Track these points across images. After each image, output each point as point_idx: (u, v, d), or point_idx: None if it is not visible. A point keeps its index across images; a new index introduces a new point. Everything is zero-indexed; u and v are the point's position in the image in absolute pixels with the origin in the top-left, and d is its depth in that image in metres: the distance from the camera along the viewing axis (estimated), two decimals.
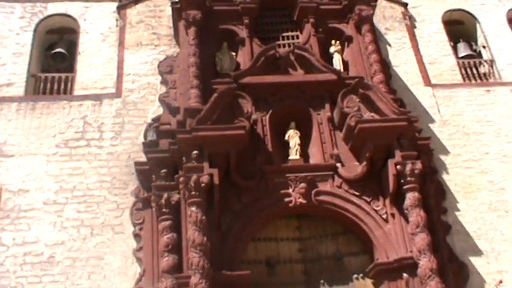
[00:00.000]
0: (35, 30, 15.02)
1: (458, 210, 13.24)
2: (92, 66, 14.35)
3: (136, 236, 11.96)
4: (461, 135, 14.30)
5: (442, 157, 13.78)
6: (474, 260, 12.78)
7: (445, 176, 13.56)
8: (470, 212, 13.33)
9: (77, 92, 13.97)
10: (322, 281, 11.88)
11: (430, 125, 14.15)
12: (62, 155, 12.88)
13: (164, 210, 11.46)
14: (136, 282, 11.52)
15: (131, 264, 11.77)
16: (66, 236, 11.99)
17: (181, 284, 10.75)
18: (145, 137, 12.95)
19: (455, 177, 13.63)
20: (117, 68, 14.26)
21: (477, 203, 13.47)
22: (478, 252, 12.92)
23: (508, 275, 12.72)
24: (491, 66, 16.07)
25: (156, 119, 13.13)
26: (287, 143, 12.61)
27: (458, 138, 14.22)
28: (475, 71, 15.83)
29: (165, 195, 11.50)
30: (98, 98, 13.74)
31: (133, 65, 14.34)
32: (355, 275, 12.07)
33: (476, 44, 16.74)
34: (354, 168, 12.30)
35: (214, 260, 10.82)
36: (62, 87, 14.14)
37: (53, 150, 12.94)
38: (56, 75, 14.42)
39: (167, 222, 11.38)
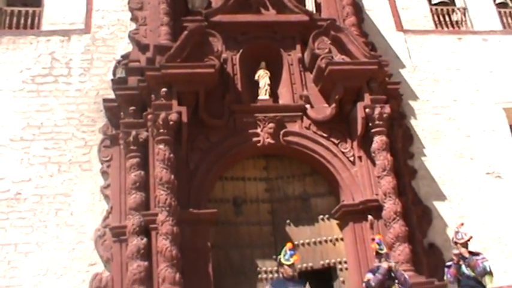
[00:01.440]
0: None
1: (424, 155, 13.44)
2: (60, 0, 13.87)
3: (104, 173, 11.92)
4: (431, 81, 14.38)
5: (411, 102, 13.88)
6: (438, 205, 13.08)
7: (413, 122, 13.69)
8: (436, 158, 13.54)
9: (44, 27, 13.58)
10: (288, 221, 12.05)
11: (401, 71, 14.18)
12: (29, 91, 12.61)
13: (132, 147, 11.40)
14: (103, 219, 11.54)
15: (98, 202, 11.77)
16: (33, 172, 11.88)
17: (148, 221, 10.84)
18: (114, 74, 12.75)
19: (423, 123, 13.78)
20: (86, 3, 13.83)
21: (443, 149, 13.68)
22: (441, 197, 13.19)
23: (470, 220, 13.01)
24: (464, 14, 16.06)
25: (125, 56, 12.88)
26: (257, 83, 12.55)
27: (427, 85, 14.30)
28: (447, 19, 15.80)
29: (133, 132, 11.43)
30: (66, 33, 13.39)
31: (103, 1, 13.93)
32: (321, 216, 12.27)
33: None
34: (323, 110, 12.35)
35: (181, 198, 10.91)
36: (29, 21, 13.69)
37: (20, 86, 12.66)
38: (23, 9, 13.92)
39: (135, 160, 11.34)
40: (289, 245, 7.51)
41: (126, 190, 11.30)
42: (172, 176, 10.74)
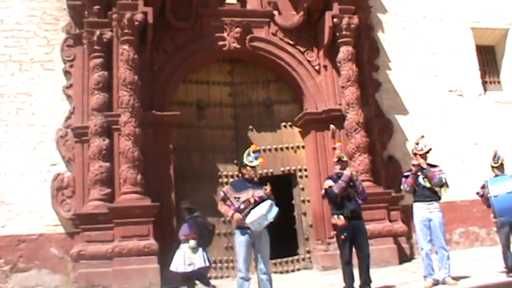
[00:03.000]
0: None
1: (389, 69, 13.49)
2: None
3: (67, 73, 11.67)
4: None
5: (380, 15, 13.75)
6: (399, 118, 13.27)
7: (380, 34, 13.64)
8: (401, 72, 13.62)
9: None
10: (250, 127, 12.20)
11: None
12: None
13: (96, 47, 11.18)
14: (65, 120, 11.41)
15: (61, 102, 11.59)
16: None
17: (111, 122, 10.81)
18: None
19: (390, 37, 13.74)
20: None
21: (409, 64, 13.75)
22: (404, 111, 13.37)
23: (430, 135, 13.16)
24: None
25: None
26: None
27: None
28: None
29: (97, 32, 11.17)
30: None
31: None
32: (283, 123, 12.44)
33: None
34: (291, 17, 12.25)
35: (144, 99, 10.88)
36: None
37: None
38: None
39: (98, 60, 11.16)
40: (253, 146, 7.43)
41: (89, 90, 11.19)
42: (136, 77, 10.64)
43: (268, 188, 7.08)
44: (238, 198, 6.99)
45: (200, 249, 8.77)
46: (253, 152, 7.26)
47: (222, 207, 7.15)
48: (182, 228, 9.15)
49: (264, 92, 12.47)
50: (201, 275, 8.93)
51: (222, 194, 7.21)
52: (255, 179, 7.48)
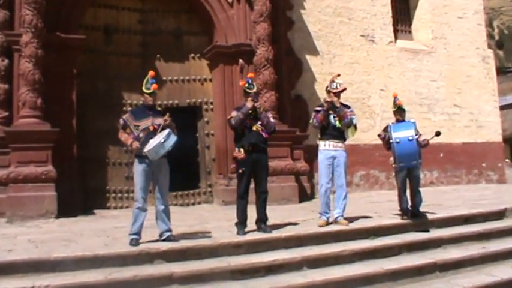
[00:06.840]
0: None
1: (304, 8, 13.45)
2: None
3: None
4: None
5: None
6: (310, 59, 13.35)
7: None
8: (315, 13, 13.63)
9: None
10: (158, 56, 11.93)
11: None
12: None
13: None
14: None
15: None
16: None
17: (11, 42, 10.22)
18: None
19: None
20: None
21: (323, 5, 13.78)
22: (314, 52, 13.46)
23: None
24: None
25: None
26: None
27: None
28: None
29: None
30: None
31: None
32: (192, 55, 12.26)
33: None
34: None
35: (49, 20, 10.26)
36: None
37: None
38: None
39: None
40: (151, 72, 7.17)
41: None
42: None
43: (167, 117, 6.91)
44: (138, 126, 6.76)
45: None
46: (151, 78, 7.05)
47: (122, 136, 6.90)
48: None
49: (175, 21, 12.17)
50: None
51: (122, 121, 6.91)
52: (155, 104, 7.31)
